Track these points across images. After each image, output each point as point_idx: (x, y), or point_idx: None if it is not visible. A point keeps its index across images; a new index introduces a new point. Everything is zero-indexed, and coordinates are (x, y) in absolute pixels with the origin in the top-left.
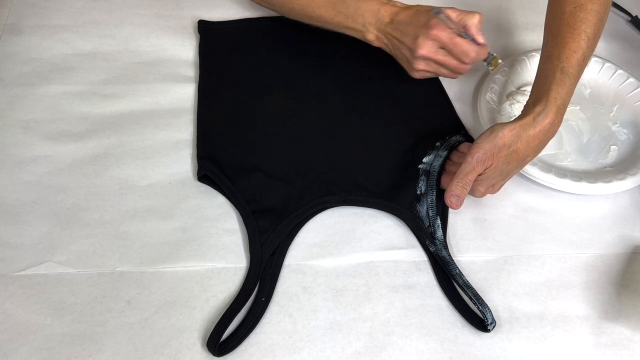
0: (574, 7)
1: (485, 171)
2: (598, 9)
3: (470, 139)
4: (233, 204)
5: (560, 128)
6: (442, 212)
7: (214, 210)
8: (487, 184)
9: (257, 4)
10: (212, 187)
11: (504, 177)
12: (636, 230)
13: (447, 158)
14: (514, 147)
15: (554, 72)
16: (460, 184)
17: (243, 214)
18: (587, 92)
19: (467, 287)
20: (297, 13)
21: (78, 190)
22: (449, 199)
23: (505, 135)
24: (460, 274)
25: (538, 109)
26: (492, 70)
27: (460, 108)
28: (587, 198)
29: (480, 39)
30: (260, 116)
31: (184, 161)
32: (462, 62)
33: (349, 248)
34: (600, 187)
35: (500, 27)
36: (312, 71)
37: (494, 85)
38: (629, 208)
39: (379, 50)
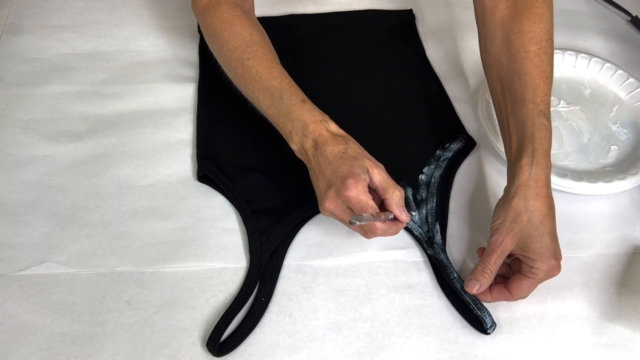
0: (538, 48)
1: (524, 251)
2: (553, 53)
3: (470, 141)
4: (233, 204)
5: (561, 128)
6: (442, 216)
7: (213, 210)
8: (548, 257)
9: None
10: (212, 187)
11: (552, 238)
12: (636, 230)
13: (447, 169)
14: (530, 209)
15: (532, 117)
16: (480, 267)
17: (243, 214)
18: (587, 92)
19: (465, 291)
20: (238, 83)
21: (78, 190)
22: (468, 283)
23: (514, 205)
24: (459, 279)
25: (526, 160)
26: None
27: (460, 108)
28: (587, 198)
29: (403, 216)
30: (260, 116)
31: (184, 161)
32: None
33: (349, 248)
34: (600, 187)
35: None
36: (313, 72)
37: None
38: (629, 208)
39: (379, 53)
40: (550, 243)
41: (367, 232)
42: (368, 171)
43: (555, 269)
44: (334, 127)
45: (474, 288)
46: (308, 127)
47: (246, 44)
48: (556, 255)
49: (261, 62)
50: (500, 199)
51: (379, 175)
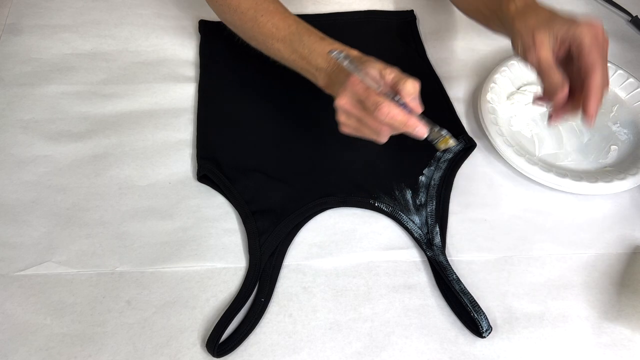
0: None
1: (562, 32)
2: None
3: (470, 142)
4: (232, 204)
5: (561, 128)
6: (442, 219)
7: (213, 210)
8: (579, 21)
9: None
10: (211, 187)
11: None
12: (636, 230)
13: (447, 170)
14: (539, 9)
15: None
16: (547, 80)
17: (242, 214)
18: None
19: (464, 293)
20: (258, 43)
21: (78, 190)
22: (560, 94)
23: (528, 16)
24: (458, 280)
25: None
26: (441, 150)
27: (460, 108)
28: (587, 198)
29: (416, 106)
30: (260, 116)
31: (184, 161)
32: (377, 119)
33: (349, 248)
34: (600, 187)
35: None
36: None
37: (494, 85)
38: (629, 208)
39: (380, 53)
40: (569, 16)
41: (374, 111)
42: (380, 72)
43: (595, 25)
44: (355, 52)
45: (562, 93)
46: (332, 59)
47: (256, 3)
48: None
49: (274, 15)
50: (512, 43)
51: (392, 73)
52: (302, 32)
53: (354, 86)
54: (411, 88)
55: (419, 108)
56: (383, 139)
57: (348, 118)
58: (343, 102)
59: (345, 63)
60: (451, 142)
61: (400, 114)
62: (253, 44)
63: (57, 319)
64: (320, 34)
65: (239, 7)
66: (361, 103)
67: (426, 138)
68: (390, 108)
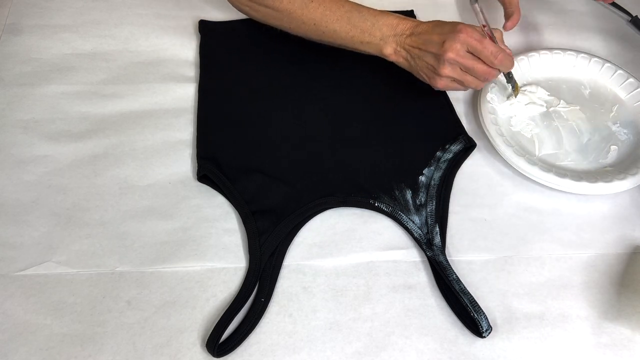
0: None
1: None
2: None
3: (470, 142)
4: (232, 204)
5: (561, 128)
6: (442, 219)
7: (213, 210)
8: None
9: (258, 20)
10: (211, 187)
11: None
12: (636, 230)
13: (447, 170)
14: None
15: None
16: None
17: (242, 214)
18: (587, 92)
19: (464, 293)
20: (308, 28)
21: (78, 190)
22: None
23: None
24: (458, 280)
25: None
26: (514, 96)
27: (460, 108)
28: (587, 198)
29: (510, 50)
30: (260, 116)
31: (184, 161)
32: (491, 66)
33: (349, 248)
34: (600, 187)
35: (500, 27)
36: (314, 72)
37: (494, 85)
38: (629, 208)
39: None
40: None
41: (493, 59)
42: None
43: None
44: (417, 20)
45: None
46: (399, 26)
47: None
48: None
49: None
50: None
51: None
52: (359, 7)
53: (467, 38)
54: (500, 35)
55: (509, 50)
56: (483, 84)
57: (453, 70)
58: (453, 55)
59: (476, 6)
60: (520, 88)
61: (511, 59)
62: (300, 31)
63: (57, 319)
64: (374, 8)
65: (283, 1)
66: (472, 52)
67: (508, 82)
68: (504, 55)
